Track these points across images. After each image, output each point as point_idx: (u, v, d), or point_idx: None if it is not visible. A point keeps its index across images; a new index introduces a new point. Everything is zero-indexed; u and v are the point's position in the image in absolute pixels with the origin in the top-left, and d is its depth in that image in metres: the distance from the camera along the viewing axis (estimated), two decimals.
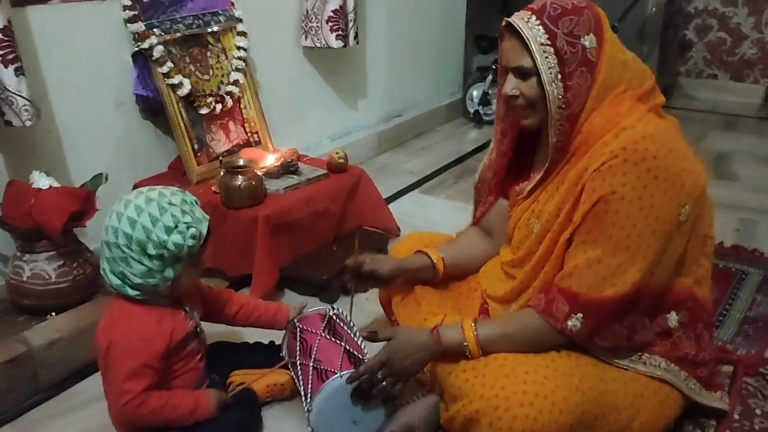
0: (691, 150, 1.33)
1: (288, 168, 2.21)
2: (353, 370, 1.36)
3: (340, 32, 2.68)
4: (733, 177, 3.11)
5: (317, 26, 2.69)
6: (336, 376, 1.37)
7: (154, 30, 2.08)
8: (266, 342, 1.70)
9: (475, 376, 1.28)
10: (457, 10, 3.89)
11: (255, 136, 2.40)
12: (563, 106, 1.26)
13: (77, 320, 1.70)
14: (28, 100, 1.66)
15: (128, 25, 2.03)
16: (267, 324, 1.63)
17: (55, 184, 1.70)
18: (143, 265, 1.31)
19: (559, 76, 1.25)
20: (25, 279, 1.71)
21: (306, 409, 1.40)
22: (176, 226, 1.31)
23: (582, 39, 1.25)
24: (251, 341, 1.72)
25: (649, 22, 3.75)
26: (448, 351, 1.34)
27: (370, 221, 2.36)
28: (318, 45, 2.73)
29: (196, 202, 1.40)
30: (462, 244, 1.67)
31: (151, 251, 1.30)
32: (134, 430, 1.41)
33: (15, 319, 1.75)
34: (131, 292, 1.35)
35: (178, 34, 2.15)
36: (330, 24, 2.66)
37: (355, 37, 2.80)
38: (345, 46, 2.74)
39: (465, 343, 1.31)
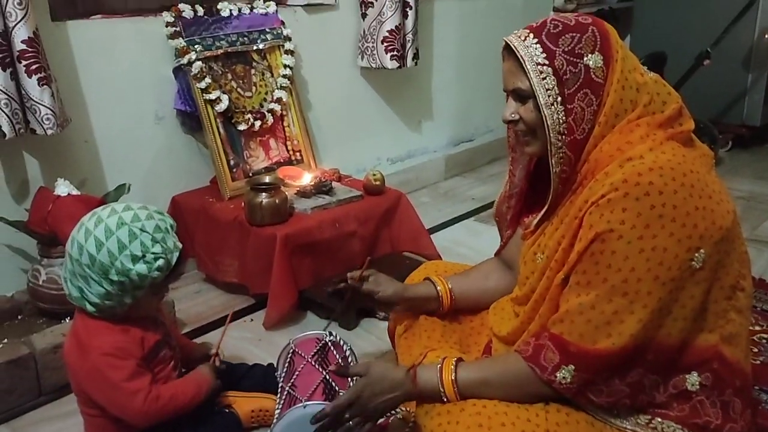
0: (721, 186, 1.14)
1: (321, 188, 2.16)
2: (318, 402, 1.27)
3: (395, 53, 2.63)
4: None
5: (372, 46, 2.65)
6: (299, 405, 1.28)
7: (195, 46, 2.11)
8: (266, 364, 1.64)
9: (448, 422, 1.16)
10: None
11: (297, 154, 2.38)
12: (564, 131, 1.13)
13: None
14: (50, 110, 1.71)
15: (170, 41, 2.08)
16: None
17: (74, 192, 1.74)
18: (102, 287, 1.27)
19: (559, 99, 1.12)
20: (40, 282, 1.76)
21: None
22: (143, 256, 1.26)
23: (585, 58, 1.12)
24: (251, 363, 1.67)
25: (756, 50, 3.53)
26: (424, 393, 1.22)
27: (407, 247, 2.27)
28: (373, 65, 2.69)
29: (172, 228, 1.34)
30: (474, 276, 1.55)
31: (113, 277, 1.26)
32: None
33: (34, 322, 1.80)
34: (89, 308, 1.31)
35: (219, 51, 2.18)
36: (385, 44, 2.61)
37: (414, 58, 2.73)
38: (401, 66, 2.68)
39: (441, 388, 1.19)
